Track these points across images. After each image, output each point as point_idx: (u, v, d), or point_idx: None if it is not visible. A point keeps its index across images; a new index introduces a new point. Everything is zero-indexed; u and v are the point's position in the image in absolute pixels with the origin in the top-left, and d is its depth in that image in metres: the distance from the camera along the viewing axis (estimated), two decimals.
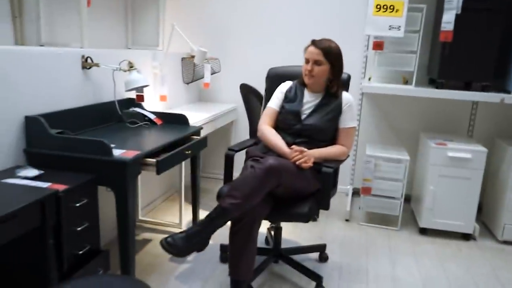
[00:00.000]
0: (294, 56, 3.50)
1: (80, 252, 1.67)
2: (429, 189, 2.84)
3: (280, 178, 1.87)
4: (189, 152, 2.17)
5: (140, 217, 2.91)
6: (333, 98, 2.18)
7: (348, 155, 2.23)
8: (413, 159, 3.40)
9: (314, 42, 2.14)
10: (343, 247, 2.70)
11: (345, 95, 2.20)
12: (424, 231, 2.96)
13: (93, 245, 1.76)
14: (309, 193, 2.04)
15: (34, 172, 1.70)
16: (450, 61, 2.83)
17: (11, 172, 1.71)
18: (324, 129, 2.15)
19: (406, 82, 3.26)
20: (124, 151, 1.87)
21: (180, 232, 1.84)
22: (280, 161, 1.90)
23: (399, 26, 2.80)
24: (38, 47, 2.17)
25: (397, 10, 2.79)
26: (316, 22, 3.47)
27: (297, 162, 1.98)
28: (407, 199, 3.36)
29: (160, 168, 1.90)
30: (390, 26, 2.80)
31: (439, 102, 3.38)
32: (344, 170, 3.60)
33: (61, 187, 1.57)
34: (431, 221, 2.89)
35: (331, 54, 2.10)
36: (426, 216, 2.89)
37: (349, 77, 2.39)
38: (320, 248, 2.56)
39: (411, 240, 2.86)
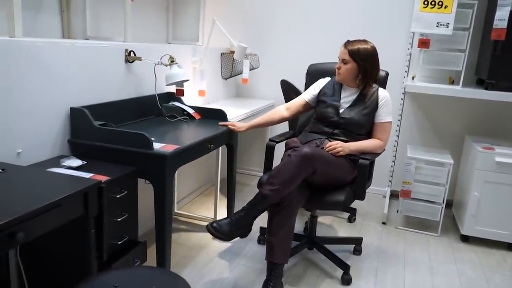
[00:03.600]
0: (335, 52, 3.42)
1: (119, 243, 1.71)
2: (474, 195, 2.71)
3: (314, 164, 1.98)
4: (211, 146, 2.17)
5: (176, 210, 2.95)
6: (369, 94, 2.24)
7: (384, 149, 2.28)
8: (456, 162, 3.26)
9: (346, 42, 2.23)
10: (379, 250, 2.63)
11: (381, 91, 2.26)
12: (465, 239, 2.83)
13: (132, 236, 1.79)
14: (345, 182, 2.15)
15: (77, 162, 1.75)
16: (502, 61, 2.68)
17: (56, 161, 1.77)
18: (361, 123, 2.22)
19: (452, 82, 3.12)
20: (163, 144, 1.89)
21: (225, 218, 2.00)
22: (314, 149, 2.01)
23: (448, 23, 2.68)
24: (85, 41, 2.22)
25: (446, 6, 2.67)
26: (359, 18, 3.38)
27: (328, 150, 2.09)
28: (449, 204, 3.23)
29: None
30: (438, 23, 2.68)
31: (487, 104, 3.22)
32: (383, 172, 3.50)
33: (103, 178, 1.61)
34: (474, 228, 2.76)
35: (358, 55, 2.16)
36: (468, 223, 2.76)
37: (387, 75, 2.42)
38: (356, 241, 2.56)
39: (451, 247, 2.74)
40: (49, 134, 1.84)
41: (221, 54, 3.38)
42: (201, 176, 3.40)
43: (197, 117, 2.55)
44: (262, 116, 2.43)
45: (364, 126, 2.23)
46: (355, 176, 2.16)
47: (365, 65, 2.17)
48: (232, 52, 3.30)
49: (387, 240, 2.78)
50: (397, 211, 3.04)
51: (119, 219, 1.68)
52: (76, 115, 1.91)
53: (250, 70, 3.48)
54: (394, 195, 3.45)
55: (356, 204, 3.31)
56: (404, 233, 2.91)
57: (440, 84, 3.04)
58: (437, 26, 2.68)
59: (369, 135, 2.27)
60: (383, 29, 3.31)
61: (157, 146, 1.85)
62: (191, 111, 2.55)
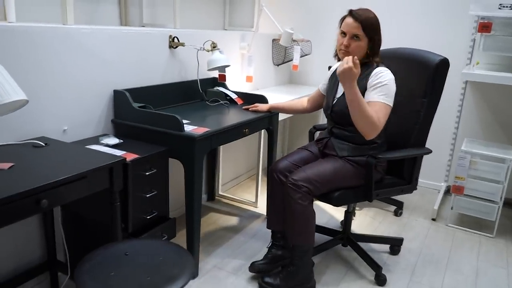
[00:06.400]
0: (392, 36, 3.27)
1: (148, 217, 1.82)
2: None
3: (316, 195, 1.94)
4: (246, 130, 2.20)
5: (220, 192, 3.05)
6: (362, 76, 1.89)
7: (376, 132, 1.83)
8: None
9: (351, 13, 1.89)
10: (423, 247, 2.50)
11: (377, 71, 1.88)
12: None
13: (161, 212, 1.90)
14: (355, 185, 2.00)
15: (115, 140, 1.89)
16: None
17: (97, 139, 1.93)
18: (348, 114, 1.86)
19: None
20: (195, 127, 1.96)
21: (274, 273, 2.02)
22: (310, 181, 1.89)
23: None
24: (129, 27, 2.36)
25: None
26: None
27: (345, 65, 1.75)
28: (509, 203, 2.96)
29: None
30: (500, 4, 2.43)
31: None
32: (439, 166, 3.30)
33: (132, 156, 1.72)
34: None
35: (370, 28, 1.86)
36: None
37: (444, 63, 1.98)
38: (396, 242, 2.42)
39: (506, 250, 2.52)
40: (94, 114, 2.01)
41: (273, 40, 3.39)
42: (248, 160, 3.46)
43: (240, 102, 2.60)
44: (287, 101, 2.42)
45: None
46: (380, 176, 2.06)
47: (378, 39, 1.90)
48: None
49: (434, 237, 2.63)
50: (451, 208, 2.86)
51: (147, 195, 1.79)
52: (119, 97, 2.05)
53: (302, 56, 3.45)
54: (449, 191, 3.24)
55: (405, 197, 3.17)
56: (454, 231, 2.73)
57: (508, 72, 2.76)
58: (499, 8, 2.43)
59: None
60: (443, 12, 3.08)
61: (188, 128, 1.94)
62: (233, 96, 2.61)
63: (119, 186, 1.56)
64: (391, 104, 1.87)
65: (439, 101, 2.03)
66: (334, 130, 2.06)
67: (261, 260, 2.12)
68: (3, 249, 1.74)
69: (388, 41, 3.23)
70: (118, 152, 1.75)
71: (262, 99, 2.55)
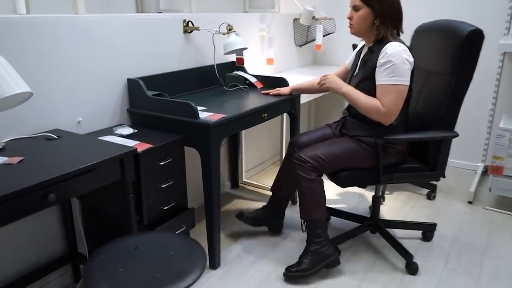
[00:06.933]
0: (424, 9, 3.06)
1: (165, 208, 1.78)
2: None
3: (324, 172, 1.92)
4: (265, 115, 2.11)
5: (244, 179, 2.99)
6: (374, 52, 1.83)
7: (388, 117, 1.79)
8: None
9: None
10: (459, 232, 2.35)
11: (386, 47, 1.77)
12: None
13: (179, 202, 1.86)
14: (365, 167, 1.93)
15: (129, 130, 1.85)
16: None
17: (111, 130, 1.89)
18: (361, 90, 1.86)
19: None
20: (211, 114, 1.89)
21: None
22: (315, 159, 1.87)
23: None
24: (141, 14, 2.29)
25: None
26: None
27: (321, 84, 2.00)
28: None
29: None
30: None
31: None
32: (476, 145, 3.10)
33: (145, 145, 1.68)
34: None
35: None
36: None
37: (475, 34, 1.78)
38: (429, 227, 2.27)
39: None
40: (108, 104, 1.97)
41: (294, 20, 3.25)
42: (272, 145, 3.38)
43: (260, 85, 2.51)
44: (309, 81, 2.31)
45: (367, 94, 1.85)
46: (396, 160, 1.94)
47: (382, 8, 1.77)
48: None
49: (470, 221, 2.47)
50: (489, 190, 2.67)
51: (163, 185, 1.75)
52: (133, 86, 2.01)
53: (325, 35, 3.30)
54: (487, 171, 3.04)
55: None
56: (492, 214, 2.55)
57: None
58: None
59: None
60: None
61: (204, 115, 1.87)
62: (253, 80, 2.51)
63: (131, 178, 1.52)
64: (405, 83, 1.77)
65: (470, 79, 1.83)
66: (350, 108, 2.01)
67: (250, 212, 2.26)
68: (26, 242, 1.74)
69: (421, 15, 3.03)
70: (131, 143, 1.71)
71: (283, 82, 2.44)
